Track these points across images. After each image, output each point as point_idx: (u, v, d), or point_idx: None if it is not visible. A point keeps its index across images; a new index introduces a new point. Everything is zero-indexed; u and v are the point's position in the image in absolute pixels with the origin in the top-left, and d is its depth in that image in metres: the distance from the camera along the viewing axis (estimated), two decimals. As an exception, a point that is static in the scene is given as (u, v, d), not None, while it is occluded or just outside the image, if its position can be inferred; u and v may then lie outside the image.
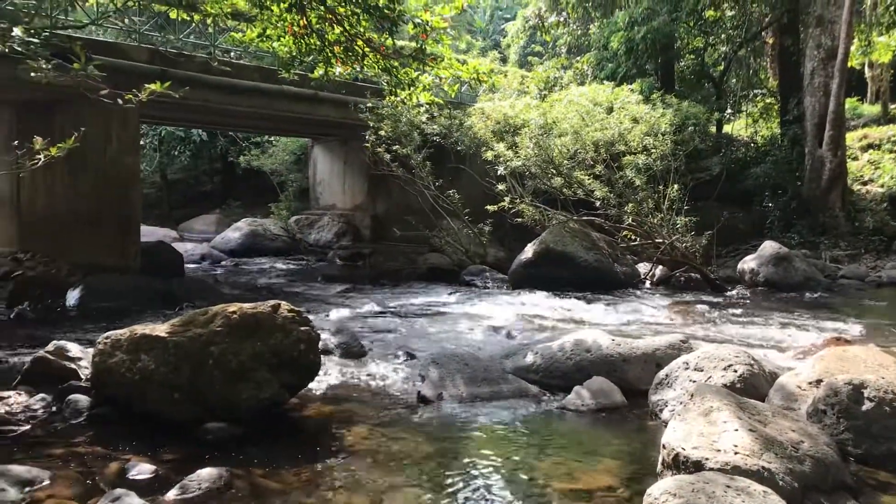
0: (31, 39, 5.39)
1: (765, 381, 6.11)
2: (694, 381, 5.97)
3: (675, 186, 14.52)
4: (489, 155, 15.94)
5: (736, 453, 4.13)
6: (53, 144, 5.58)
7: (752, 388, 5.88)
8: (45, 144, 5.57)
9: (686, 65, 23.65)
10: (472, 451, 5.46)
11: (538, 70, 23.04)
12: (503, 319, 11.04)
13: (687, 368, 6.29)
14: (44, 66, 5.54)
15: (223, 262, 19.76)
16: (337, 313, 11.59)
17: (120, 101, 5.64)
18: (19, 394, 6.17)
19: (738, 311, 12.03)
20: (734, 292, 14.11)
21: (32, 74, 5.57)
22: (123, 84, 6.35)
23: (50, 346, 6.77)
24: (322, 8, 8.24)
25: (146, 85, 5.80)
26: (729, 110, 23.21)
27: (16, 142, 5.95)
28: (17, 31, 5.27)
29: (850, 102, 21.91)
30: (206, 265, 19.15)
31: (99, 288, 12.13)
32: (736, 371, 6.03)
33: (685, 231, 14.46)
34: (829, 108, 17.72)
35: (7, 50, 5.26)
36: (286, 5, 8.36)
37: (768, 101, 23.62)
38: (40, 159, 5.61)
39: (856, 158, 19.81)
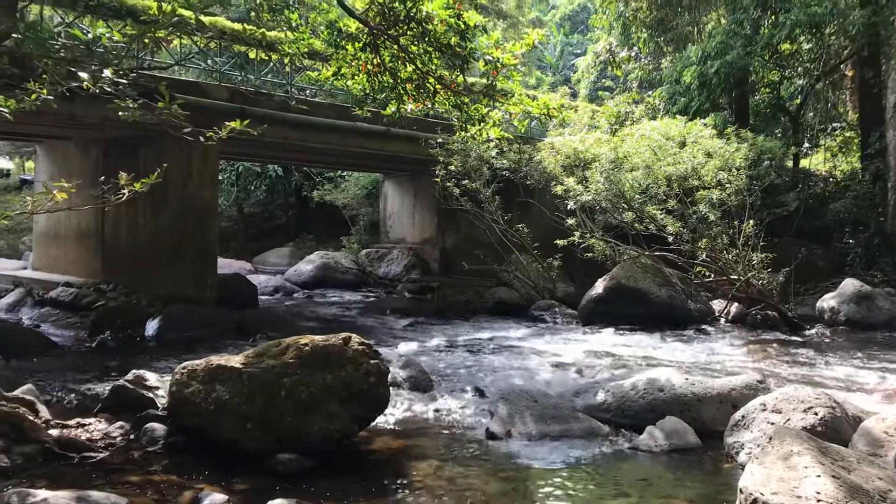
0: (119, 80, 5.63)
1: (848, 426, 5.87)
2: (772, 424, 5.78)
3: (751, 222, 14.18)
4: (559, 189, 15.87)
5: (818, 501, 3.96)
6: (137, 180, 5.80)
7: (834, 432, 5.66)
8: (129, 180, 5.80)
9: (761, 98, 23.18)
10: (542, 490, 5.38)
11: (609, 105, 22.92)
12: (573, 356, 10.92)
13: (764, 410, 6.09)
14: (131, 105, 5.78)
15: (296, 294, 20.08)
16: (405, 346, 11.64)
17: (201, 139, 5.84)
18: (100, 421, 6.37)
19: (818, 350, 11.62)
20: (813, 331, 13.63)
21: (120, 113, 5.82)
22: (204, 121, 6.58)
23: (129, 375, 6.98)
24: (395, 47, 8.41)
25: (226, 122, 5.99)
26: (806, 144, 22.64)
27: (102, 177, 6.21)
28: (107, 73, 5.53)
29: (936, 136, 21.09)
30: (280, 297, 19.50)
31: (177, 318, 12.48)
32: (816, 414, 5.82)
33: (761, 267, 14.07)
34: (913, 141, 17.13)
35: (97, 90, 5.51)
36: (361, 45, 8.57)
37: (848, 134, 22.96)
38: (124, 194, 5.83)
39: (943, 194, 19.01)
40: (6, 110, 5.29)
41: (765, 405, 6.13)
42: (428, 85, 8.75)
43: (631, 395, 7.27)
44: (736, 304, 14.77)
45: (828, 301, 14.34)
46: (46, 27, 6.13)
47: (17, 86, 5.57)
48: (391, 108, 9.35)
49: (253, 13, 9.48)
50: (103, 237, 14.27)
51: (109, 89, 5.58)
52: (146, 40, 6.73)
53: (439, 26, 8.01)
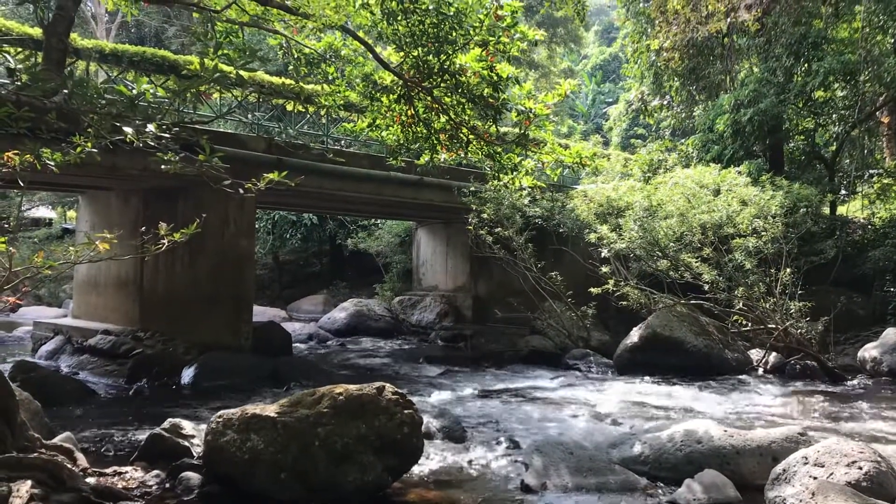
0: (162, 135, 5.79)
1: (894, 481, 5.70)
2: (815, 478, 5.63)
3: (788, 270, 14.00)
4: (592, 237, 15.84)
5: (865, 560, 3.85)
6: (176, 229, 5.93)
7: (879, 487, 5.50)
8: (168, 229, 5.93)
9: (796, 146, 23.02)
10: (578, 544, 5.29)
11: (641, 152, 22.92)
12: (608, 406, 10.79)
13: (806, 463, 5.94)
14: (172, 158, 5.94)
15: (329, 342, 20.15)
16: (438, 395, 11.60)
17: (241, 191, 5.96)
18: (136, 469, 6.41)
19: (861, 402, 11.34)
20: (855, 382, 13.33)
21: (163, 166, 5.98)
22: (242, 171, 6.72)
23: (165, 424, 7.04)
24: (429, 98, 8.55)
25: (264, 173, 6.12)
26: (843, 191, 22.38)
27: (143, 227, 6.35)
28: (150, 128, 5.70)
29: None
30: (314, 344, 19.59)
31: (212, 366, 12.57)
32: (861, 468, 5.66)
33: (800, 316, 13.83)
34: (953, 188, 16.85)
35: (141, 144, 5.67)
36: (395, 96, 8.74)
37: (885, 181, 22.67)
38: (164, 244, 5.96)
39: None
40: (52, 163, 5.46)
41: (807, 458, 5.98)
42: (461, 135, 8.87)
43: (668, 448, 7.15)
44: (774, 353, 14.51)
45: (869, 351, 14.04)
46: (92, 83, 6.33)
47: (63, 139, 5.75)
48: (425, 158, 9.47)
49: (291, 67, 9.71)
50: (142, 285, 14.47)
51: (153, 143, 5.74)
52: (188, 95, 6.93)
53: (472, 78, 8.14)
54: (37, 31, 11.34)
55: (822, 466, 5.82)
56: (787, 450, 6.66)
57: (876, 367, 13.69)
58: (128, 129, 5.60)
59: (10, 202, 24.01)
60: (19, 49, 11.76)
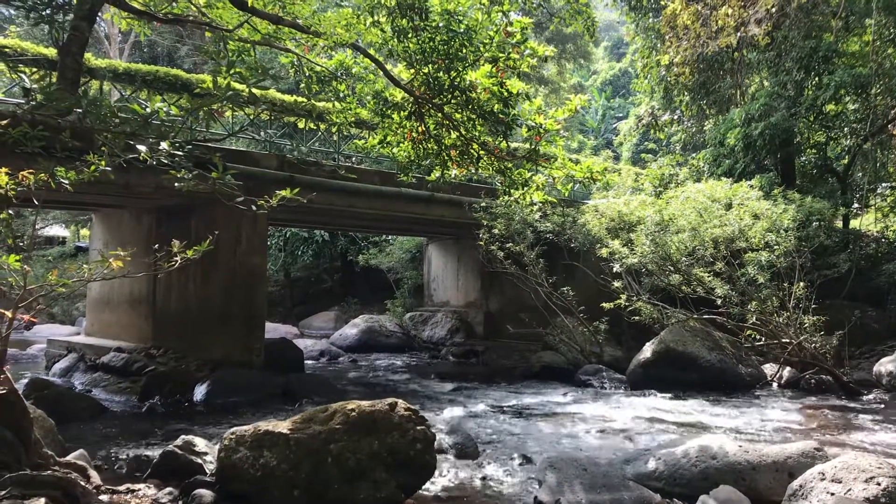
0: (175, 152, 5.84)
1: (913, 497, 5.63)
2: (832, 494, 5.58)
3: (801, 284, 13.91)
4: (604, 252, 15.80)
5: (884, 577, 3.80)
6: (188, 246, 5.95)
7: (898, 503, 5.43)
8: (181, 247, 5.95)
9: (807, 159, 22.92)
10: (593, 561, 5.24)
11: (652, 167, 22.88)
12: (622, 422, 10.73)
13: (823, 479, 5.88)
14: (186, 175, 5.98)
15: (341, 358, 20.14)
16: (451, 411, 11.55)
17: (253, 208, 5.99)
18: (149, 487, 6.40)
19: (878, 417, 11.23)
20: (871, 396, 13.19)
21: (176, 184, 6.02)
22: (254, 188, 6.76)
23: (178, 441, 7.04)
24: (439, 115, 8.58)
25: (276, 190, 6.15)
26: (855, 205, 22.26)
27: (156, 245, 6.39)
28: (163, 145, 5.74)
29: None
30: (325, 361, 19.58)
31: (224, 383, 12.58)
32: (879, 484, 5.59)
33: (814, 331, 13.73)
34: (967, 200, 16.73)
35: (154, 162, 5.71)
36: (406, 113, 8.78)
37: (898, 194, 22.56)
38: (177, 261, 5.99)
39: None
40: (66, 181, 5.50)
41: (823, 474, 5.92)
42: (472, 151, 8.89)
43: (683, 463, 7.09)
44: (788, 368, 14.41)
45: (885, 365, 13.90)
46: (106, 102, 6.40)
47: (77, 158, 5.80)
48: (436, 174, 9.49)
49: (303, 85, 9.78)
50: (154, 302, 14.52)
51: (166, 161, 5.78)
52: (200, 113, 6.99)
53: (483, 94, 8.17)
54: (52, 52, 11.47)
55: (840, 482, 5.76)
56: (804, 465, 6.59)
57: (892, 382, 13.56)
58: (141, 147, 5.65)
59: (25, 221, 24.20)
60: (34, 69, 11.89)
